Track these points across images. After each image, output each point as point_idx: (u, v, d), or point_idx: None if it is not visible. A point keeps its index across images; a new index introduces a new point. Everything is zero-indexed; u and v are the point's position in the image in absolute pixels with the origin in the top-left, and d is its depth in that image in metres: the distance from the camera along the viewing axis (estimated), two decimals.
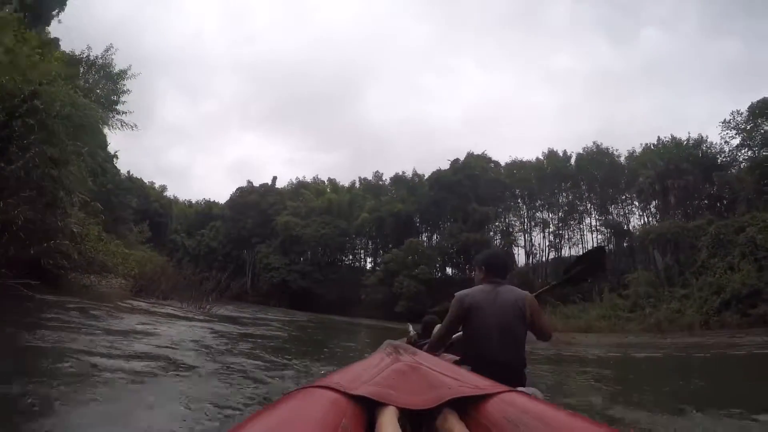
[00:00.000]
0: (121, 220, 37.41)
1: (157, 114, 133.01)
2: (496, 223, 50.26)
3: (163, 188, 65.70)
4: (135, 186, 52.65)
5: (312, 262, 51.21)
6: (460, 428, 1.17)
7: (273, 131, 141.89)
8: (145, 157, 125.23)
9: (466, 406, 1.28)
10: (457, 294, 2.71)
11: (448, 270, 48.62)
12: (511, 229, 50.91)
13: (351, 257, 55.77)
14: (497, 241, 48.34)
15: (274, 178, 61.37)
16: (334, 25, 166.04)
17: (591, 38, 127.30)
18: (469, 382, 1.46)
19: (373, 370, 1.62)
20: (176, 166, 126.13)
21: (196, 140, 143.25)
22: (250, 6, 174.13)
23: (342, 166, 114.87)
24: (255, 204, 55.53)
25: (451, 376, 1.54)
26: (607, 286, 34.70)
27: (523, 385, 2.32)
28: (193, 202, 72.19)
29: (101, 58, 25.28)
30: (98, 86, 24.74)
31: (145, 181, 60.34)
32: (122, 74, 25.31)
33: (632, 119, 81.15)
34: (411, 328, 5.13)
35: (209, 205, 65.27)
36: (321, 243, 50.71)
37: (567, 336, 23.53)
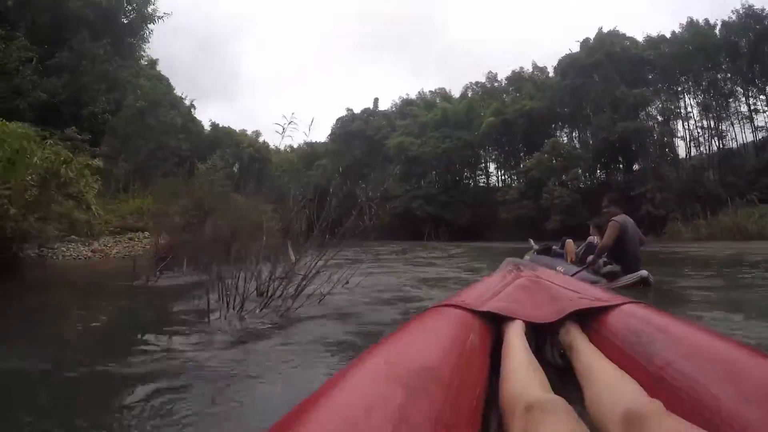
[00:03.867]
0: (154, 156, 22.12)
1: (243, 77, 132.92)
2: (648, 109, 41.16)
3: (257, 134, 62.00)
4: (221, 134, 49.87)
5: (436, 184, 45.22)
6: (582, 340, 1.21)
7: (365, 64, 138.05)
8: (240, 120, 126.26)
9: (588, 318, 1.31)
10: (617, 218, 5.00)
11: (599, 173, 40.78)
12: (665, 116, 41.93)
13: (479, 173, 48.68)
14: (656, 129, 39.68)
15: (376, 100, 54.74)
16: None
17: None
18: (590, 294, 1.50)
19: (497, 287, 1.66)
20: (271, 122, 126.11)
21: (287, 90, 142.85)
22: None
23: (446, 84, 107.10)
24: (359, 132, 50.24)
25: (572, 290, 1.57)
26: None
27: (640, 269, 4.72)
28: (295, 147, 68.70)
29: None
30: None
31: (235, 129, 56.81)
32: None
33: None
34: (532, 242, 7.77)
35: (312, 147, 60.82)
36: (443, 160, 44.13)
37: None
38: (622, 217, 5.08)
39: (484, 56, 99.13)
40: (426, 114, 46.70)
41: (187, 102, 35.15)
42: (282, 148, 68.65)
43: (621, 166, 39.73)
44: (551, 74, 44.64)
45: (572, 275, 4.59)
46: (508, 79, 48.10)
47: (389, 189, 43.33)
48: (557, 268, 5.34)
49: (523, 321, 1.30)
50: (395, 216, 41.82)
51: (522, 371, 1.01)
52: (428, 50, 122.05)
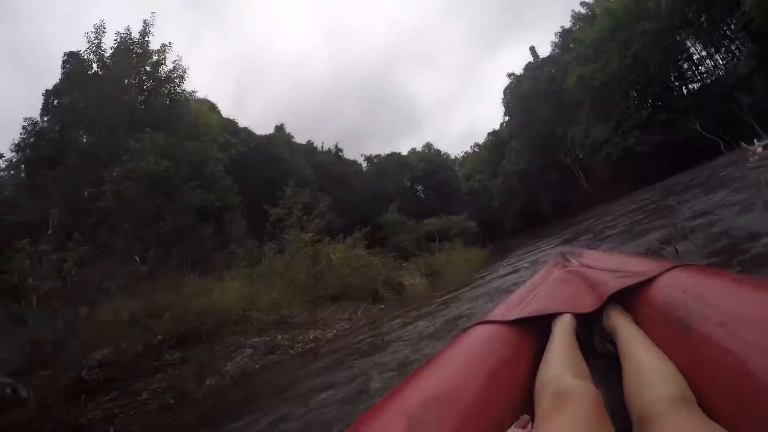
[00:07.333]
0: None
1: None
2: None
3: (428, 146, 59.30)
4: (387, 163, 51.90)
5: (642, 107, 36.65)
6: (624, 322, 1.14)
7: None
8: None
9: (632, 296, 1.22)
10: None
11: None
12: None
13: (685, 67, 37.61)
14: None
15: (532, 48, 50.37)
16: None
17: None
18: (633, 270, 1.39)
19: (536, 288, 1.62)
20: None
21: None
22: None
23: None
24: (532, 90, 45.25)
25: (612, 270, 1.49)
26: None
27: None
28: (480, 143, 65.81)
29: None
30: None
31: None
32: None
33: None
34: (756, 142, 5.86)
35: (496, 135, 56.99)
36: (638, 72, 34.99)
37: None
38: None
39: None
40: (591, 30, 38.76)
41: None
42: (466, 151, 66.85)
43: None
44: None
45: None
46: None
47: (594, 137, 37.13)
48: None
49: (571, 314, 1.25)
50: (613, 166, 35.16)
51: (557, 362, 0.99)
52: None
